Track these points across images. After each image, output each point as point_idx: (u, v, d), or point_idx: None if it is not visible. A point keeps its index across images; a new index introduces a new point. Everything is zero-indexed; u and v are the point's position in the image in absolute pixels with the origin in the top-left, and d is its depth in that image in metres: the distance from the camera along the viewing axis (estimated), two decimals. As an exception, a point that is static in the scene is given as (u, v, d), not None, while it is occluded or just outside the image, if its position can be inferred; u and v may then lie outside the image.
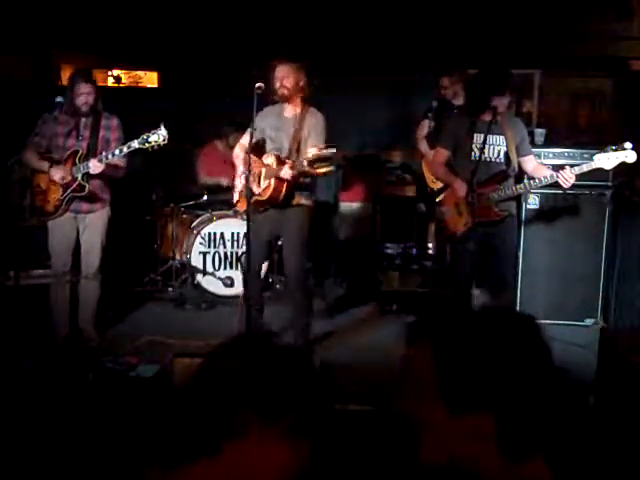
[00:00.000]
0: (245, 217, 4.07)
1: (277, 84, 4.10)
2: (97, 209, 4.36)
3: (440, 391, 1.04)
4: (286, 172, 3.96)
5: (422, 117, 5.76)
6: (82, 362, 4.01)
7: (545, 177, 4.02)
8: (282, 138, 4.17)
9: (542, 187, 4.24)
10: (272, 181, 4.06)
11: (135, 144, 4.05)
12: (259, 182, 4.15)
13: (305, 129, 4.15)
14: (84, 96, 4.18)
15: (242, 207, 4.33)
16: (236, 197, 4.39)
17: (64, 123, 4.25)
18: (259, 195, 4.13)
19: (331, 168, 3.92)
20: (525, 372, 1.03)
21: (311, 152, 3.88)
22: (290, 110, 4.19)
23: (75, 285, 4.46)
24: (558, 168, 4.08)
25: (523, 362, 1.04)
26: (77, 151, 4.22)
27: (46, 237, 4.39)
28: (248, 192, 3.90)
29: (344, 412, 3.16)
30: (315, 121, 4.16)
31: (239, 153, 4.33)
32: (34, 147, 4.25)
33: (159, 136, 4.02)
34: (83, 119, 4.25)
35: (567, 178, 3.91)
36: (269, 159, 4.14)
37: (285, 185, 4.05)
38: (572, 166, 4.08)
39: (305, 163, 3.88)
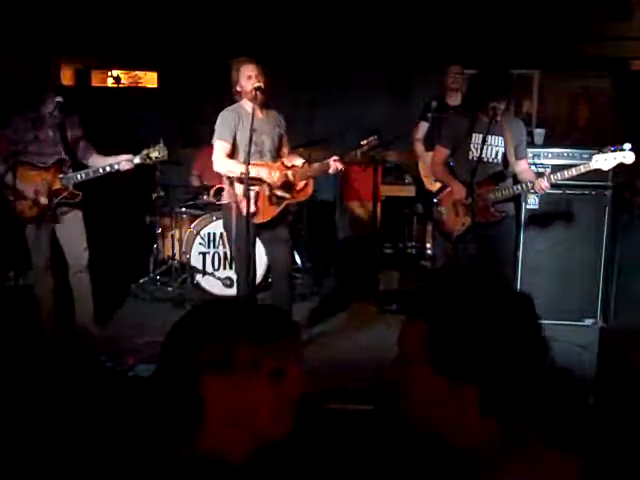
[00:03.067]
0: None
1: (250, 82, 3.95)
2: (77, 205, 4.39)
3: (430, 357, 1.10)
4: (335, 167, 4.00)
5: (418, 118, 5.78)
6: (82, 362, 4.01)
7: (525, 184, 4.05)
8: (263, 140, 4.08)
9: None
10: (311, 181, 4.14)
11: (137, 160, 4.21)
12: (284, 186, 4.08)
13: (281, 130, 4.19)
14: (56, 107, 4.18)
15: (263, 217, 4.09)
16: (251, 209, 3.99)
17: (30, 128, 4.17)
18: (292, 197, 4.14)
19: (384, 152, 4.08)
20: (512, 344, 1.10)
21: (362, 143, 4.00)
22: (258, 110, 4.03)
23: (61, 283, 4.49)
24: (558, 168, 4.08)
25: (511, 334, 1.11)
26: (63, 160, 4.24)
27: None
28: (247, 195, 3.83)
29: (344, 412, 3.17)
30: (284, 122, 4.24)
31: (225, 164, 4.07)
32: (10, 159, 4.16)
33: (160, 152, 4.22)
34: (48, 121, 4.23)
35: (542, 187, 3.96)
36: (296, 160, 4.16)
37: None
38: (571, 166, 4.09)
39: (359, 154, 3.98)
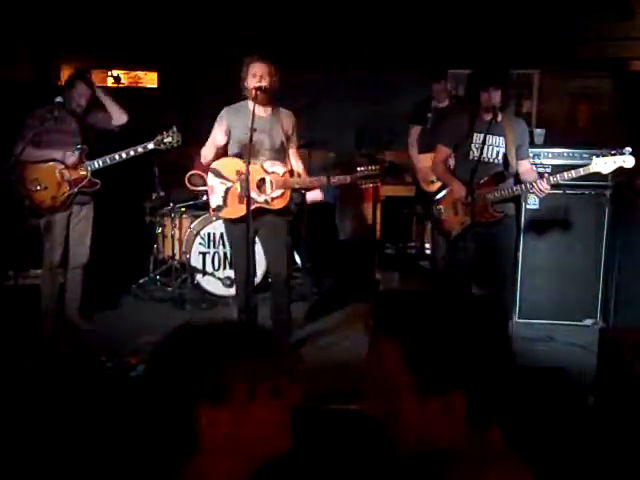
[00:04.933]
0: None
1: (253, 81, 3.92)
2: (91, 201, 4.55)
3: (411, 376, 1.08)
4: (316, 194, 4.01)
5: (410, 122, 5.82)
6: (82, 362, 4.01)
7: (525, 185, 4.04)
8: (265, 140, 4.02)
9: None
10: (288, 192, 4.05)
11: (151, 145, 4.35)
12: (260, 189, 4.01)
13: (287, 130, 4.10)
14: (84, 98, 4.37)
15: (230, 214, 4.07)
16: (218, 202, 4.08)
17: (59, 120, 4.29)
18: (265, 203, 4.02)
19: (377, 183, 4.00)
20: (486, 348, 1.10)
21: (360, 169, 3.95)
22: (262, 109, 4.02)
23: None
24: (558, 168, 4.07)
25: (483, 340, 1.11)
26: (83, 149, 4.37)
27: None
28: (248, 195, 3.77)
29: (343, 412, 3.16)
30: (294, 121, 4.15)
31: (209, 154, 4.09)
32: (31, 143, 4.27)
33: (173, 137, 4.36)
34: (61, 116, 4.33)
35: (542, 189, 3.94)
36: (276, 167, 4.02)
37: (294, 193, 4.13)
38: (571, 167, 4.09)
39: (349, 179, 3.95)
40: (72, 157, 4.33)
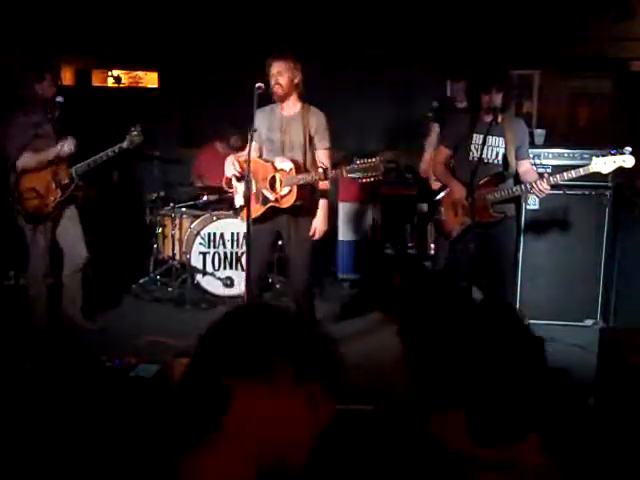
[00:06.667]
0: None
1: (272, 81, 3.92)
2: (71, 203, 4.46)
3: (415, 389, 1.06)
4: (324, 183, 3.93)
5: (427, 121, 5.76)
6: (82, 362, 4.02)
7: (525, 185, 4.03)
8: (285, 139, 4.02)
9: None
10: (295, 189, 3.95)
11: (125, 144, 4.23)
12: (272, 188, 4.00)
13: (311, 129, 4.04)
14: (50, 88, 4.22)
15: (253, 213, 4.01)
16: (241, 202, 4.07)
17: (34, 123, 4.22)
18: (276, 202, 4.00)
19: (377, 177, 3.82)
20: (503, 363, 1.06)
21: (357, 162, 3.76)
22: (288, 109, 4.04)
23: (54, 284, 4.53)
24: (558, 169, 4.07)
25: (500, 355, 1.07)
26: (71, 153, 4.27)
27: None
28: (247, 195, 3.76)
29: (344, 412, 3.16)
30: (320, 121, 4.06)
31: (232, 159, 4.10)
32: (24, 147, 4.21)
33: (138, 135, 4.23)
34: (41, 115, 4.27)
35: (542, 189, 3.93)
36: (284, 164, 3.96)
37: (307, 192, 4.00)
38: (571, 167, 4.09)
39: (345, 173, 3.78)
40: (65, 146, 4.20)
